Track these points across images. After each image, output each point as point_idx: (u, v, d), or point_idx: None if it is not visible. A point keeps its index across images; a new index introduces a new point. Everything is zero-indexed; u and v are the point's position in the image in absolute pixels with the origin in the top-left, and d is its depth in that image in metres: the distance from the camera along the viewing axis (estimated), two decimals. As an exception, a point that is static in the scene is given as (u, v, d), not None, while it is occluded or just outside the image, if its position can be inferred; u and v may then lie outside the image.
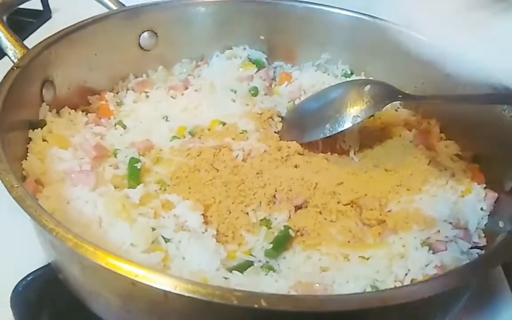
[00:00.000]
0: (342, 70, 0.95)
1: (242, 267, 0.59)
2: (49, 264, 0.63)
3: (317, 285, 0.56)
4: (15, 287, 0.61)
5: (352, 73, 0.95)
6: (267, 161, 0.72)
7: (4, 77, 0.63)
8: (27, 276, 0.62)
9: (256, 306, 0.39)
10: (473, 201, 0.69)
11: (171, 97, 0.87)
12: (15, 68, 0.64)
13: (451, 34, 0.51)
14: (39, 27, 1.24)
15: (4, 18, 0.70)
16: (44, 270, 0.63)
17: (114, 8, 0.86)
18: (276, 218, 0.65)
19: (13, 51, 0.67)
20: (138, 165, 0.68)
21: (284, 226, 0.64)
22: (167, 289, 0.41)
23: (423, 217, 0.64)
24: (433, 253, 0.60)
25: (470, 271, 0.47)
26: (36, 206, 0.47)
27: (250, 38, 0.95)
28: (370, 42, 0.90)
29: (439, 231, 0.63)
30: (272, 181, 0.68)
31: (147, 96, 0.86)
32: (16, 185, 0.48)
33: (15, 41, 0.68)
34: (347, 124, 0.73)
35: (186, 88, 0.89)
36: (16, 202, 0.47)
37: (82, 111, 0.78)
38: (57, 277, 0.59)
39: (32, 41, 0.72)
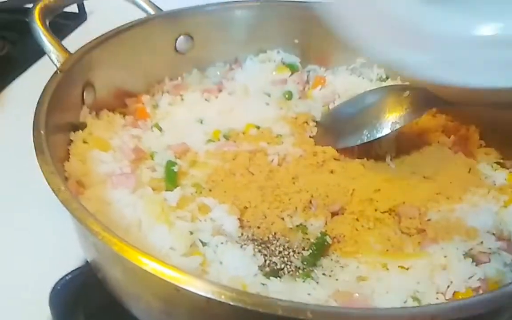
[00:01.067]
0: (378, 74, 0.92)
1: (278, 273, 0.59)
2: (86, 264, 0.64)
3: (356, 295, 0.55)
4: (53, 287, 0.62)
5: (387, 78, 0.92)
6: (302, 166, 0.72)
7: (49, 80, 0.64)
8: (66, 275, 0.63)
9: (302, 317, 0.39)
10: (516, 211, 0.67)
11: (206, 100, 0.87)
12: (58, 72, 0.66)
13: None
14: (74, 29, 1.26)
15: (47, 22, 0.71)
16: (81, 270, 0.63)
17: (150, 10, 0.87)
18: (312, 224, 0.64)
19: (56, 55, 0.69)
20: (175, 168, 0.68)
21: (321, 232, 0.63)
22: (212, 296, 0.41)
23: (465, 228, 0.62)
24: (476, 265, 0.58)
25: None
26: (82, 209, 0.47)
27: (284, 41, 0.94)
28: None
29: (482, 242, 0.61)
30: (308, 187, 0.68)
31: (182, 99, 0.86)
32: (63, 188, 0.48)
33: (58, 45, 0.69)
34: (386, 131, 0.71)
35: (220, 91, 0.89)
36: (62, 205, 0.48)
37: (120, 113, 0.78)
38: (93, 278, 0.59)
39: (68, 43, 0.73)
